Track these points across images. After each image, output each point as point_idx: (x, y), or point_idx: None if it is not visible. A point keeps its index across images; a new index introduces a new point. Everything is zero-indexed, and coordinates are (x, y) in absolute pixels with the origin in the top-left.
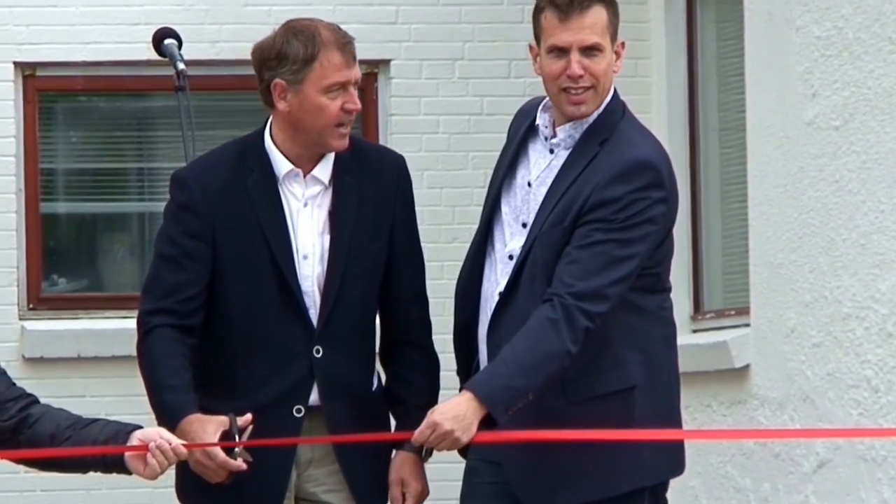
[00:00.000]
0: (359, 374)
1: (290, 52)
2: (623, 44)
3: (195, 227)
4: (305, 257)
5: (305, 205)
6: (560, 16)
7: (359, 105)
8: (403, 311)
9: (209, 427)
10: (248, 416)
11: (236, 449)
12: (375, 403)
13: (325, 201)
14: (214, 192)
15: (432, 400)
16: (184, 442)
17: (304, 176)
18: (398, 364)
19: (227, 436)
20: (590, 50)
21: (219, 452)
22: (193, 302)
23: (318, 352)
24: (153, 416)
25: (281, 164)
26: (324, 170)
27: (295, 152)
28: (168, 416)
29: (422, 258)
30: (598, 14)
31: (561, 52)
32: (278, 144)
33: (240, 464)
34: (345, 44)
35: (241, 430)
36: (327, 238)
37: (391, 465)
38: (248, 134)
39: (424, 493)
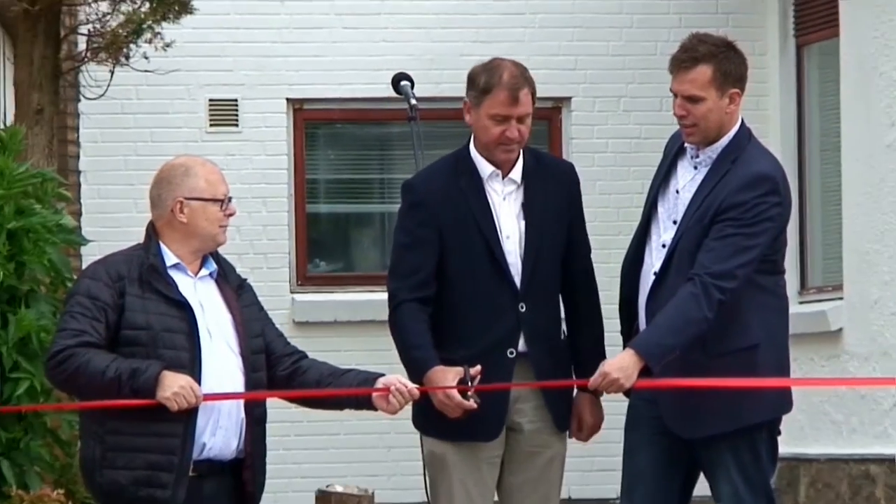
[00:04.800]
0: (552, 325)
1: (478, 82)
2: (739, 92)
3: (424, 219)
4: (508, 237)
5: (504, 198)
6: (671, 69)
7: (515, 136)
8: (576, 277)
9: (449, 375)
10: (479, 367)
11: (470, 392)
12: (563, 349)
13: (519, 196)
14: (435, 191)
15: (598, 340)
16: (417, 386)
17: (502, 177)
18: (572, 315)
19: (462, 382)
20: (690, 98)
21: (456, 395)
22: (428, 279)
23: (522, 307)
24: (391, 368)
25: (484, 168)
26: (517, 172)
27: (488, 158)
28: (417, 368)
29: (588, 241)
30: (700, 72)
31: (674, 95)
32: (480, 152)
33: (471, 404)
34: (517, 88)
35: (473, 378)
36: (523, 223)
37: (573, 403)
38: (458, 148)
39: (596, 426)
